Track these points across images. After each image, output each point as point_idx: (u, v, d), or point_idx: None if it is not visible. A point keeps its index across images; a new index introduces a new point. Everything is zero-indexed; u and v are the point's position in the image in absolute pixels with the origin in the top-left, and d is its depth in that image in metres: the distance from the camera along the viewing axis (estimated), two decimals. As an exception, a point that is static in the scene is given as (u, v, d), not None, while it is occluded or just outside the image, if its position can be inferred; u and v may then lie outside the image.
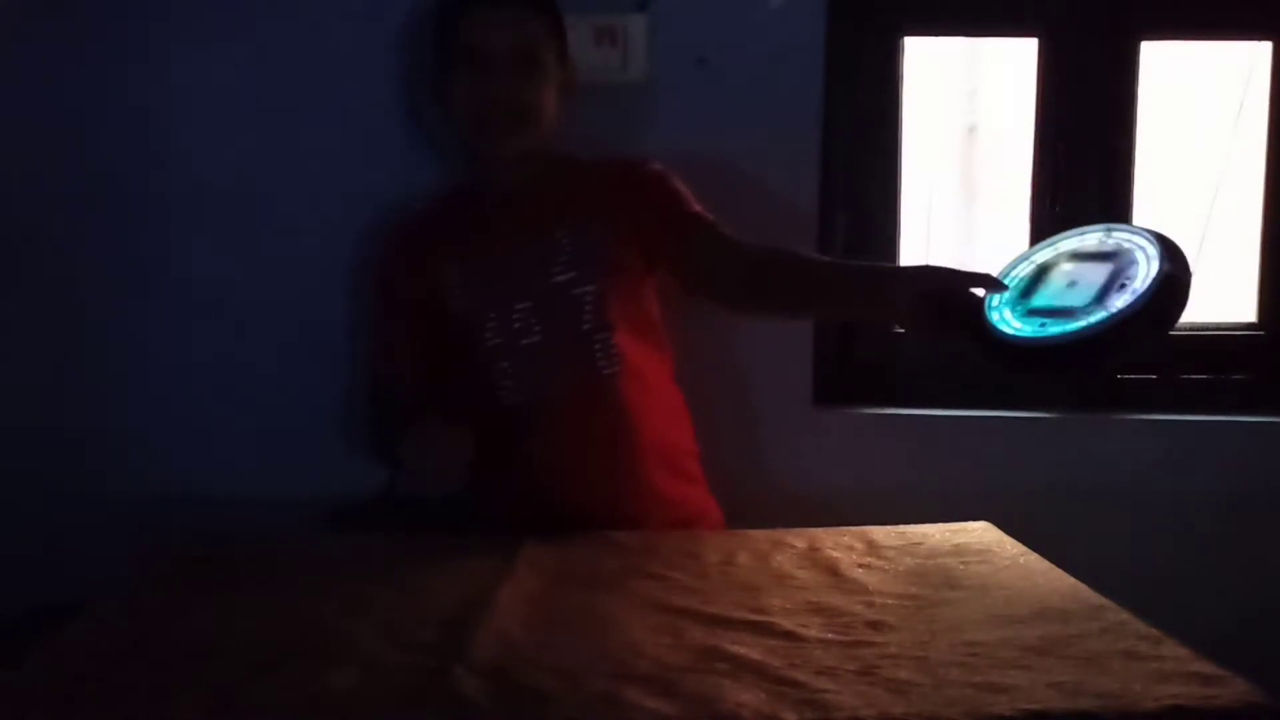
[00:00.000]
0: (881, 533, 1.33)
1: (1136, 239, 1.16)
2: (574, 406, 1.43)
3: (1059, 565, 1.22)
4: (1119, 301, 1.10)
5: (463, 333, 1.46)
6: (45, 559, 1.66)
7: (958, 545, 1.29)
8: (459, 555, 1.27)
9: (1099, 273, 1.16)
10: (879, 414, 1.78)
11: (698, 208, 1.48)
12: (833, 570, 1.21)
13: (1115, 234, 1.18)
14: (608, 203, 1.47)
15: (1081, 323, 1.11)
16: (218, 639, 1.01)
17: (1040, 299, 1.18)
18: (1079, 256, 1.20)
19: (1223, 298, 1.91)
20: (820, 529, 1.39)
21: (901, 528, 1.35)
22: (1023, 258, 1.25)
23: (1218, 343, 1.84)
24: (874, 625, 1.04)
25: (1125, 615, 1.05)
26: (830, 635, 1.02)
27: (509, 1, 1.43)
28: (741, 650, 0.97)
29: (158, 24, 1.65)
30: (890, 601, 1.11)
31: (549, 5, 1.47)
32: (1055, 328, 1.12)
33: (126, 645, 1.01)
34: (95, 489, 1.69)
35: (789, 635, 1.01)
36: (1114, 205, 1.79)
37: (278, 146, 1.67)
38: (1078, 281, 1.16)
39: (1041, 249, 1.25)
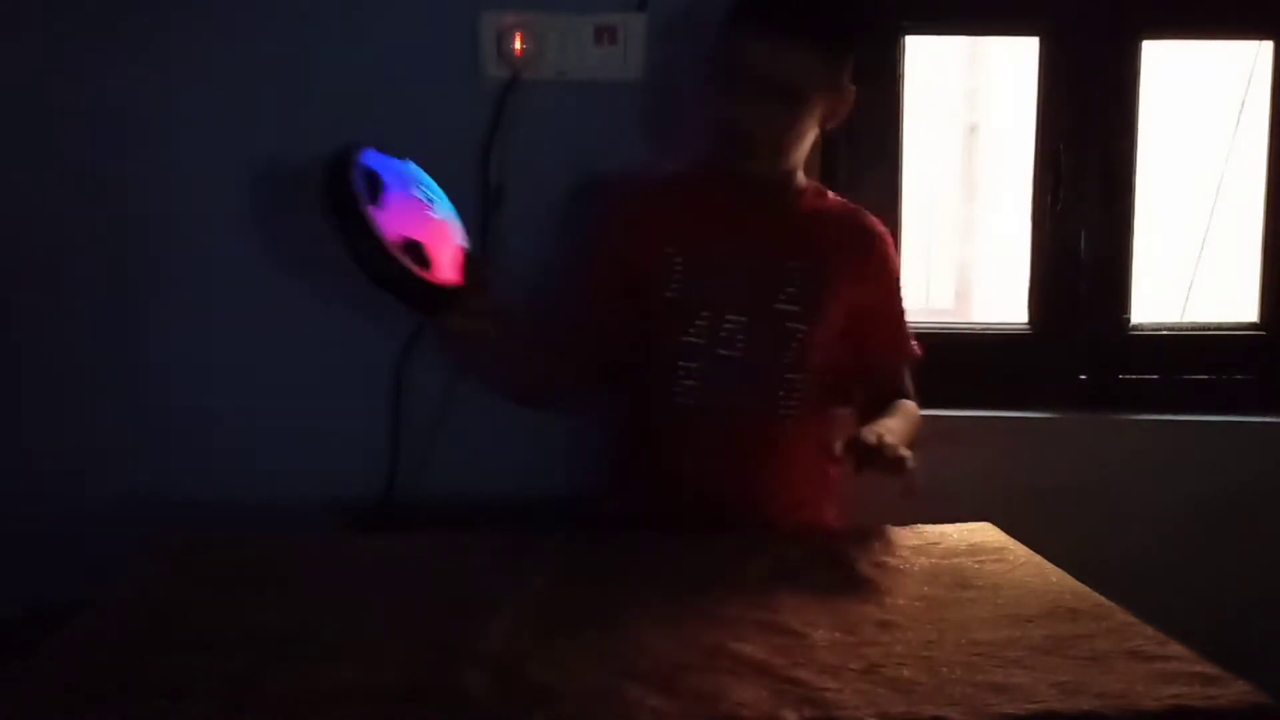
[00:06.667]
0: (897, 532, 1.34)
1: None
2: (744, 434, 1.43)
3: (1058, 565, 1.22)
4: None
5: (666, 317, 1.43)
6: (45, 559, 1.66)
7: (973, 545, 1.29)
8: (461, 554, 1.27)
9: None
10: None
11: (908, 332, 1.54)
12: (847, 569, 1.21)
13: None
14: (840, 256, 1.47)
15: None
16: (219, 637, 1.01)
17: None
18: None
19: (1224, 297, 1.92)
20: (836, 528, 1.39)
21: (918, 527, 1.36)
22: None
23: (1219, 343, 1.84)
24: (883, 625, 1.04)
25: (1133, 617, 1.05)
26: (837, 634, 1.02)
27: (787, 31, 1.36)
28: (747, 649, 0.97)
29: (156, 22, 1.65)
30: (902, 601, 1.11)
31: (832, 34, 1.39)
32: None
33: (127, 644, 1.01)
34: (95, 489, 1.68)
35: (796, 634, 1.01)
36: (1115, 205, 1.80)
37: (275, 148, 1.67)
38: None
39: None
